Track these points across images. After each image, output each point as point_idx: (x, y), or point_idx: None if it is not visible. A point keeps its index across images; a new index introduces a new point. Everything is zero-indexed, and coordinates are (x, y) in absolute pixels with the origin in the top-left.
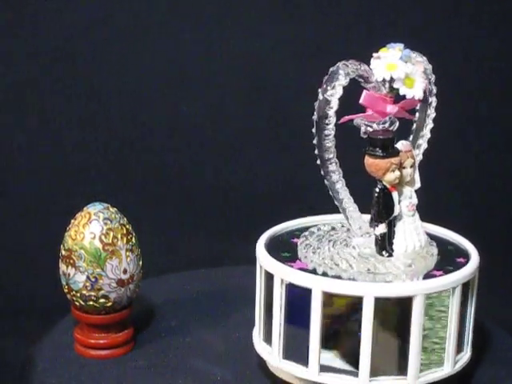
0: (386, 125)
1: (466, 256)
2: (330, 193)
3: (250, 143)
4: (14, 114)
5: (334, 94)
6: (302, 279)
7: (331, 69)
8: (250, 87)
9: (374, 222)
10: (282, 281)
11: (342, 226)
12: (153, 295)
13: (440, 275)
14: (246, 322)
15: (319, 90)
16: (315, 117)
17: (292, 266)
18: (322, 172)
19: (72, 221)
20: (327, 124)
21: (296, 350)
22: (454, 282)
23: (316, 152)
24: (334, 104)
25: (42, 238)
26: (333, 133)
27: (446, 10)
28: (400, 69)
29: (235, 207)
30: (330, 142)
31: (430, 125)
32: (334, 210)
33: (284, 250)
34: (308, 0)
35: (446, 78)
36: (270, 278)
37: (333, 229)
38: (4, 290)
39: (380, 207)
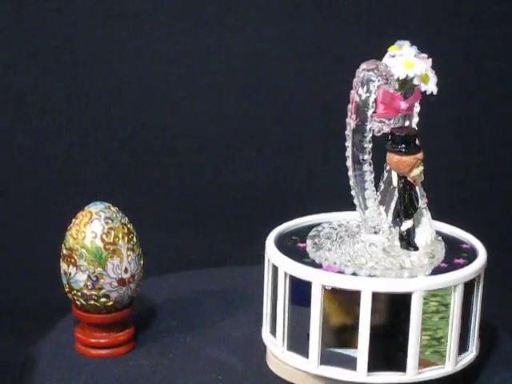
0: (391, 121)
1: (466, 243)
2: (354, 191)
3: (250, 143)
4: (14, 114)
5: (370, 95)
6: (349, 283)
7: (362, 72)
8: (250, 87)
9: (403, 218)
10: (322, 287)
11: (339, 226)
12: (153, 295)
13: (465, 263)
14: (247, 322)
15: (352, 93)
16: (352, 119)
17: (327, 271)
18: (352, 171)
19: (73, 220)
20: (366, 126)
21: (336, 355)
22: (481, 268)
23: (348, 153)
24: (371, 106)
25: (42, 238)
26: (371, 134)
27: (446, 10)
28: (420, 66)
29: (235, 207)
30: (367, 144)
31: (415, 118)
32: (328, 209)
33: (299, 255)
34: (308, 0)
35: (446, 77)
36: (299, 284)
37: (333, 228)
38: (4, 290)
39: (407, 203)
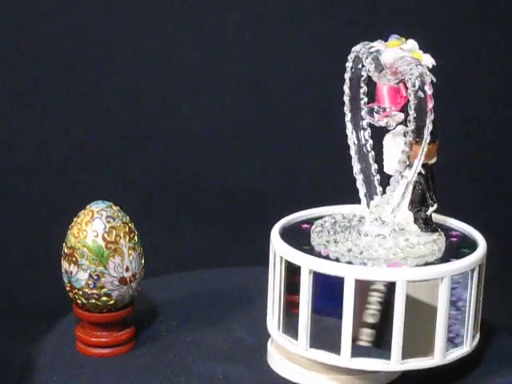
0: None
1: (453, 227)
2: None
3: (250, 143)
4: (14, 114)
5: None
6: (429, 273)
7: (412, 71)
8: (250, 87)
9: (432, 203)
10: (405, 283)
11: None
12: (154, 295)
13: (462, 233)
14: (247, 322)
15: (413, 90)
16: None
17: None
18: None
19: (75, 219)
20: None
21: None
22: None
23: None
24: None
25: (43, 237)
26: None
27: (445, 10)
28: (426, 57)
29: (236, 207)
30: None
31: None
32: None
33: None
34: (309, 0)
35: (450, 76)
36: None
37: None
38: (4, 290)
39: (434, 188)
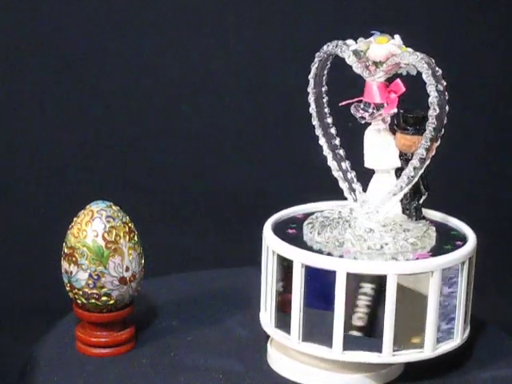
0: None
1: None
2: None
3: (250, 143)
4: (14, 114)
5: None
6: (457, 258)
7: (421, 63)
8: (250, 87)
9: (425, 191)
10: (441, 273)
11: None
12: (154, 295)
13: (431, 220)
14: (247, 322)
15: (433, 84)
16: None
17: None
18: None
19: (75, 219)
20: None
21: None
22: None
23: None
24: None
25: (43, 237)
26: None
27: (446, 10)
28: (412, 51)
29: (236, 207)
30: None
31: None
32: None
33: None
34: (308, 1)
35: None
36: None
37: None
38: (4, 290)
39: (425, 178)
